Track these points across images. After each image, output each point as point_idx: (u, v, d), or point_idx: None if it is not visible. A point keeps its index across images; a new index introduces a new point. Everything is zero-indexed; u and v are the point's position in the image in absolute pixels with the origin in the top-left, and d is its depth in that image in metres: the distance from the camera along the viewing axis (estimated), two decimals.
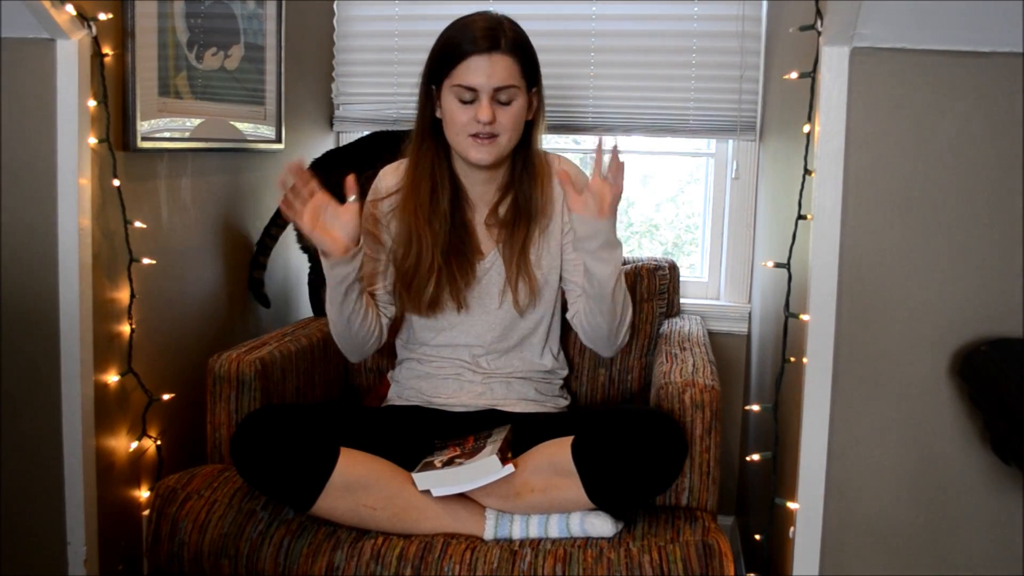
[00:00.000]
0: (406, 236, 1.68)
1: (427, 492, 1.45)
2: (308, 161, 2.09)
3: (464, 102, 1.57)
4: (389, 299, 1.73)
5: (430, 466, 1.47)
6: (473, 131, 1.57)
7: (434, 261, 1.65)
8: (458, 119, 1.58)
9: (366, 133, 2.34)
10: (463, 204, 1.71)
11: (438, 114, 1.63)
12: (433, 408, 1.70)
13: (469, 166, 1.66)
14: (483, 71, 1.53)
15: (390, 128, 2.28)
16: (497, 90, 1.55)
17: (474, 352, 1.71)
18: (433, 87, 1.62)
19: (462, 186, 1.70)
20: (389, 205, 1.72)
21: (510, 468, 1.42)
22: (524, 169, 1.67)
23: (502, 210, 1.70)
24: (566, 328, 1.81)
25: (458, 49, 1.55)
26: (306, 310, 2.20)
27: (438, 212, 1.66)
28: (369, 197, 1.75)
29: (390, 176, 1.75)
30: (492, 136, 1.58)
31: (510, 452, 1.49)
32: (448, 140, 1.63)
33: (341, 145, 2.35)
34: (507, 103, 1.57)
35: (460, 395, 1.70)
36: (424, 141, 1.66)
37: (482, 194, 1.71)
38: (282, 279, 2.37)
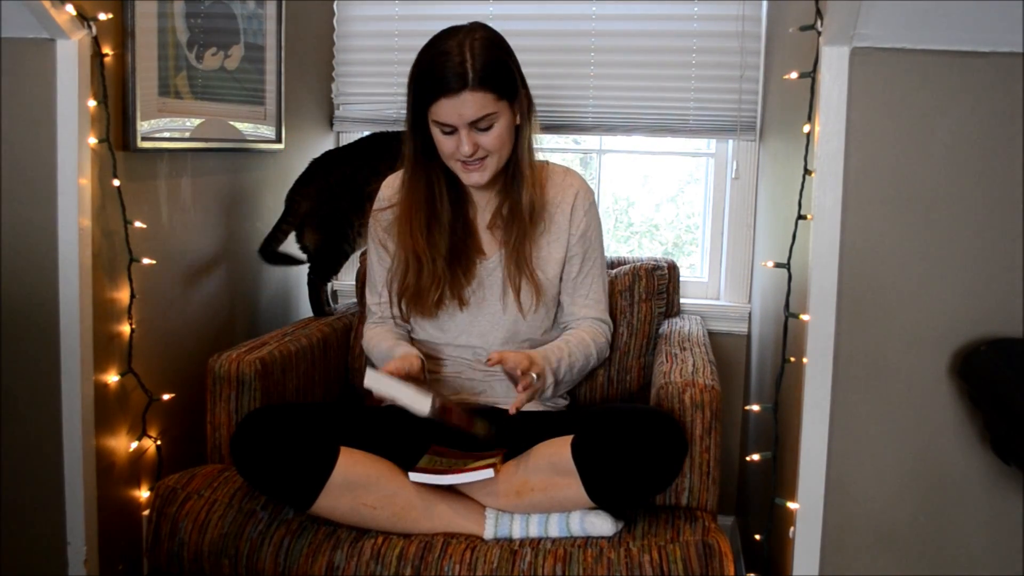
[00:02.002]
0: (404, 253, 1.69)
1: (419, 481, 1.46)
2: (308, 161, 2.10)
3: (446, 134, 1.57)
4: (391, 311, 1.75)
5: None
6: (460, 158, 1.59)
7: (435, 271, 1.67)
8: (444, 149, 1.60)
9: (366, 133, 2.34)
10: (465, 205, 1.72)
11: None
12: None
13: None
14: (455, 111, 1.53)
15: (390, 128, 2.27)
16: (473, 123, 1.55)
17: (477, 352, 1.71)
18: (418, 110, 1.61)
19: (464, 188, 1.71)
20: (387, 217, 1.73)
21: (490, 472, 1.43)
22: (515, 174, 1.67)
23: (504, 213, 1.71)
24: None
25: (431, 89, 1.54)
26: (306, 310, 2.20)
27: (438, 224, 1.67)
28: (376, 206, 1.77)
29: (390, 187, 1.77)
30: (481, 159, 1.59)
31: (499, 465, 1.48)
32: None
33: (341, 145, 2.35)
34: (487, 129, 1.57)
35: (460, 394, 1.70)
36: (417, 156, 1.65)
37: (484, 194, 1.72)
38: (282, 279, 2.37)
